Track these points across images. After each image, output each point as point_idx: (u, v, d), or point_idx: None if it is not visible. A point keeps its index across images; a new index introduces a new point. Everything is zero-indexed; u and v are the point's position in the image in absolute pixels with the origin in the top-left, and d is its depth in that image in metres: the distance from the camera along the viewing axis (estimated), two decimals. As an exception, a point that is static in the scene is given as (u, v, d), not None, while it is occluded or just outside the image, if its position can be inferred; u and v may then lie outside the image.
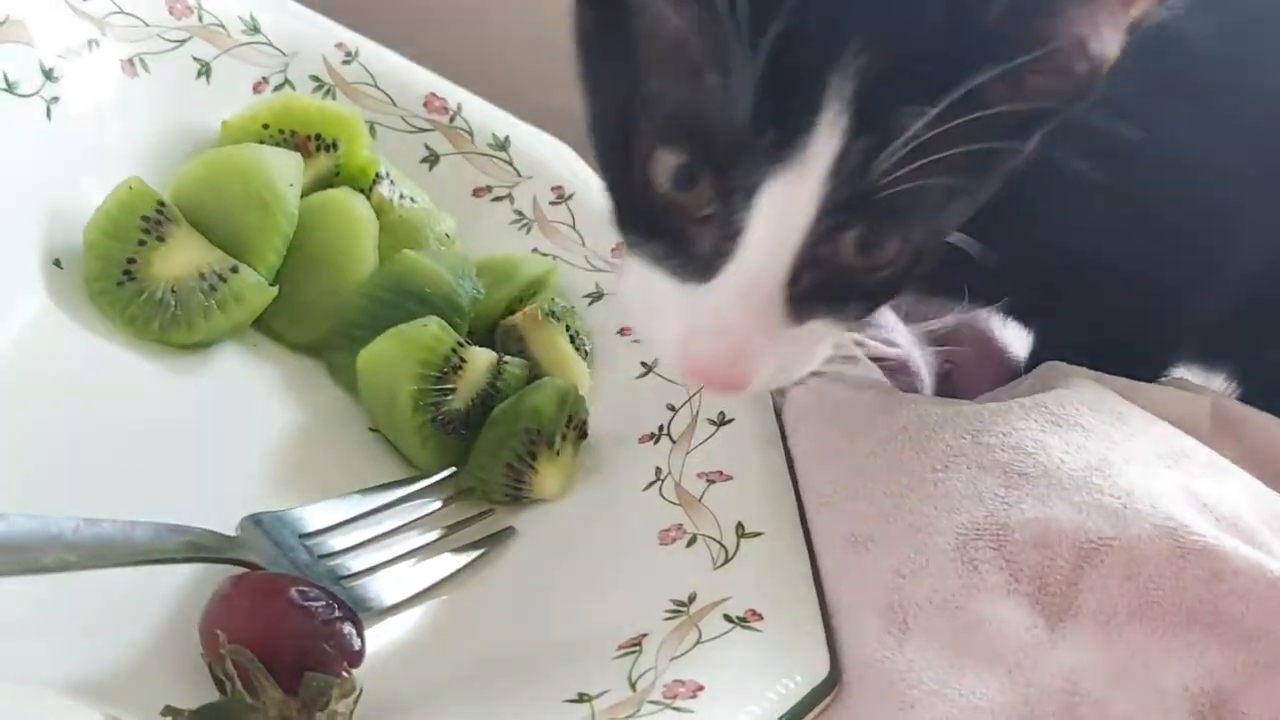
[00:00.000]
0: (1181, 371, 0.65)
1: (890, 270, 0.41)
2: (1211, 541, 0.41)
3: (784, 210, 0.37)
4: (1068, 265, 0.53)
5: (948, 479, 0.45)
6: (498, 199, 0.65)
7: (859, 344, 0.67)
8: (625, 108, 0.40)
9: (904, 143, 0.36)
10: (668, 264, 0.40)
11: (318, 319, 0.55)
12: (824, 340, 0.43)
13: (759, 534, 0.48)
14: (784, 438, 0.54)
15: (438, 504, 0.51)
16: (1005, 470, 0.45)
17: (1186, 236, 0.53)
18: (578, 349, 0.58)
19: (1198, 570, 0.40)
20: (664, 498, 0.51)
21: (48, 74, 0.53)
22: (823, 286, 0.40)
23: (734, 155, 0.37)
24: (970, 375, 0.70)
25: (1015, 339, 0.70)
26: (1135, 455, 0.45)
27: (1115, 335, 0.57)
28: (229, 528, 0.45)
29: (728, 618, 0.44)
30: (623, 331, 0.61)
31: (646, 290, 0.42)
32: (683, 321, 0.40)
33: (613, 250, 0.62)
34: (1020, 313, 0.61)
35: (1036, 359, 0.62)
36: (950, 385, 0.71)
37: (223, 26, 0.61)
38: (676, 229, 0.40)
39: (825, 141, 0.36)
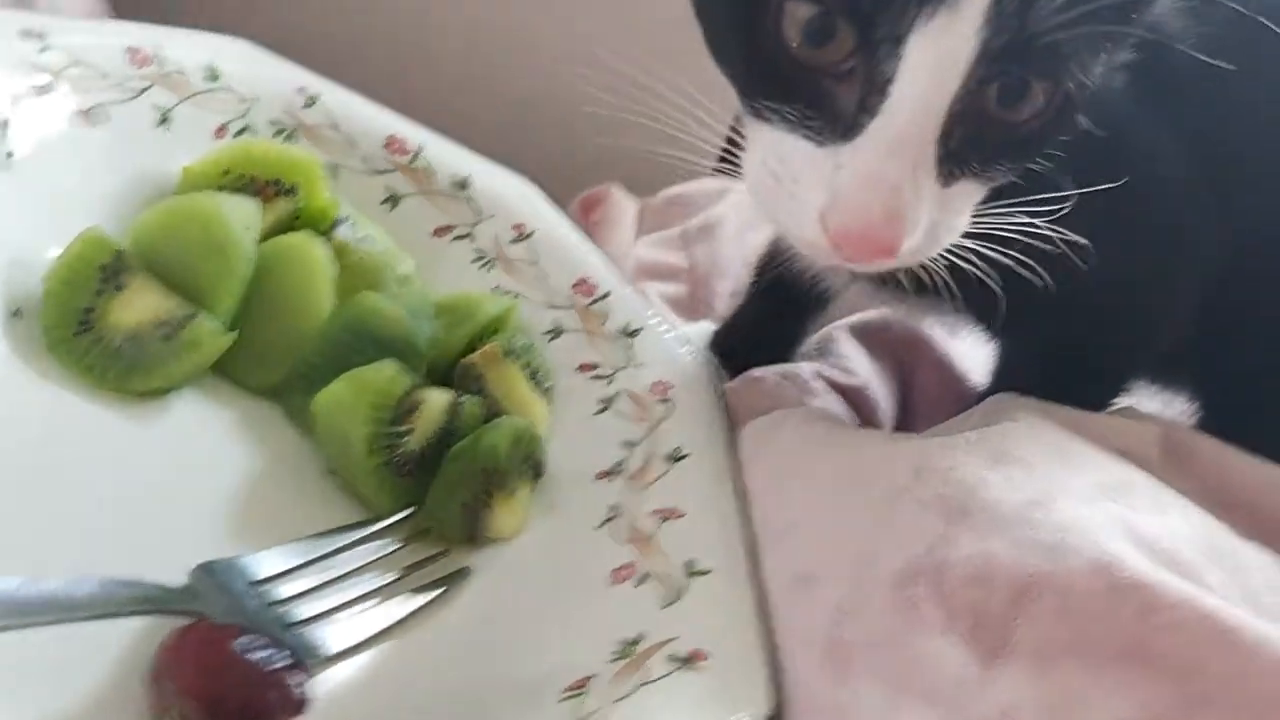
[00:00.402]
0: (1142, 392, 0.66)
1: (1037, 123, 0.39)
2: (1145, 576, 0.41)
3: (937, 58, 0.35)
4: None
5: (891, 515, 0.46)
6: (459, 238, 0.66)
7: (819, 374, 0.68)
8: None
9: None
10: (805, 127, 0.38)
11: (276, 362, 0.55)
12: (967, 207, 0.41)
13: (708, 572, 0.48)
14: (740, 471, 0.54)
15: (394, 545, 0.52)
16: (946, 506, 0.45)
17: (1139, 249, 0.54)
18: (537, 386, 0.59)
19: (1131, 605, 0.41)
20: (617, 536, 0.52)
21: (4, 125, 0.54)
22: (973, 142, 0.38)
23: (878, 1, 0.35)
24: (929, 402, 0.71)
25: (973, 365, 0.70)
26: (1075, 489, 0.46)
27: (1075, 351, 0.58)
28: (185, 575, 0.45)
29: (673, 658, 0.44)
30: (582, 368, 0.61)
31: (779, 162, 0.40)
32: (826, 185, 0.38)
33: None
34: (987, 324, 0.61)
35: (999, 376, 0.62)
36: (909, 412, 0.71)
37: (183, 74, 0.61)
38: (813, 87, 0.38)
39: None
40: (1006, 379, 0.61)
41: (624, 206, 0.82)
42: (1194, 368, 0.63)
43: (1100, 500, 0.46)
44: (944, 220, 0.40)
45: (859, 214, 0.37)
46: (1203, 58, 0.50)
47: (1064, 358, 0.59)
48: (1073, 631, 0.41)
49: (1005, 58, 0.36)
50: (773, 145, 0.40)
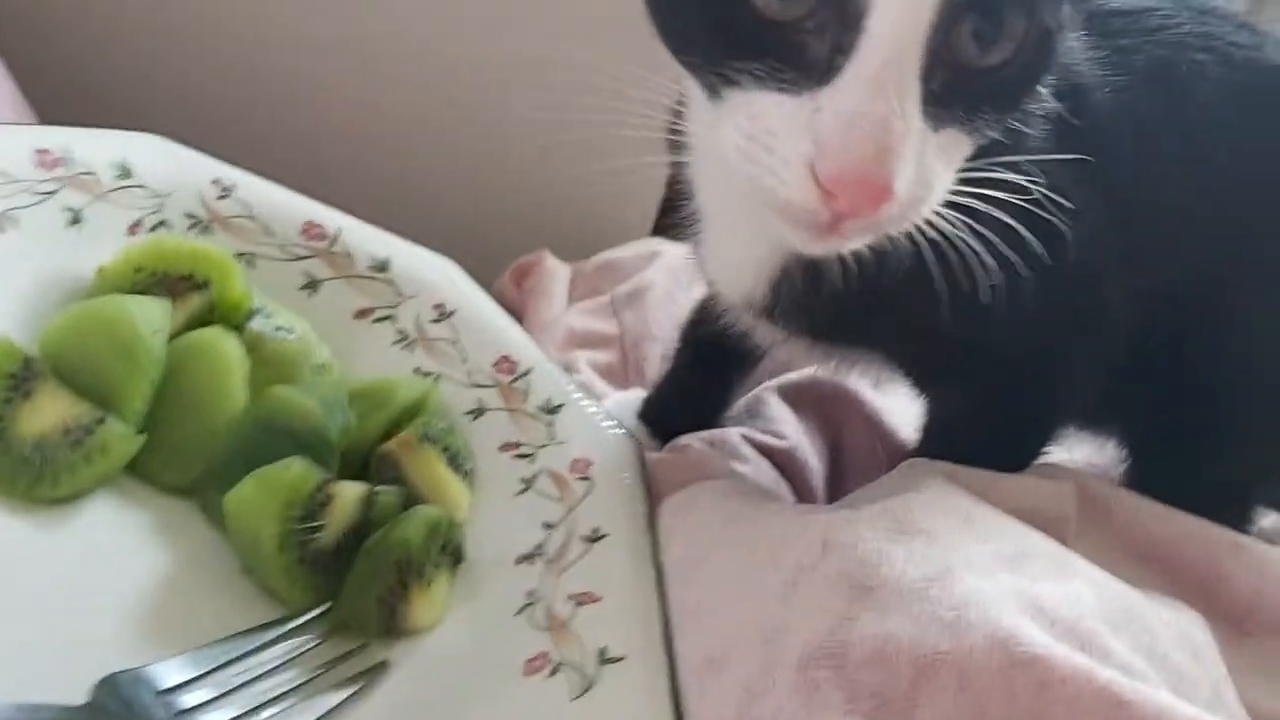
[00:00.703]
0: (1073, 439, 0.67)
1: (1016, 66, 0.40)
2: (1041, 651, 0.41)
3: None
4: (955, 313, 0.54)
5: (796, 594, 0.46)
6: (380, 320, 0.66)
7: (746, 439, 0.69)
8: None
9: None
10: (780, 79, 0.38)
11: (190, 460, 0.55)
12: (955, 159, 0.41)
13: (621, 659, 0.48)
14: (658, 551, 0.54)
15: (311, 642, 0.51)
16: (849, 582, 0.45)
17: (1054, 302, 0.54)
18: (457, 469, 0.59)
19: (1027, 680, 0.41)
20: (534, 623, 0.52)
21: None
22: (954, 85, 0.38)
23: None
24: (860, 459, 0.71)
25: (903, 421, 0.71)
26: (976, 561, 0.46)
27: (996, 407, 0.58)
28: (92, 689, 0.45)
29: (579, 754, 0.44)
30: (504, 447, 0.61)
31: (754, 122, 0.39)
32: (808, 133, 0.38)
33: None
34: (914, 373, 0.61)
35: (926, 433, 0.63)
36: (840, 470, 0.72)
37: (94, 174, 0.62)
38: (783, 39, 0.38)
39: None
40: (933, 436, 0.62)
41: (556, 273, 0.83)
42: (1121, 415, 0.64)
43: (1000, 572, 0.46)
44: (932, 170, 0.40)
45: (849, 153, 0.37)
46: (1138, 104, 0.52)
47: (986, 414, 0.59)
48: (972, 710, 0.41)
49: None
50: (745, 107, 0.39)
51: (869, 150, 0.37)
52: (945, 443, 0.60)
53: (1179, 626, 0.48)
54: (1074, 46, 0.52)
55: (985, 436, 0.59)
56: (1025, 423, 0.60)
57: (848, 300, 0.50)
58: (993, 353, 0.55)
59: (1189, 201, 0.55)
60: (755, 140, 0.39)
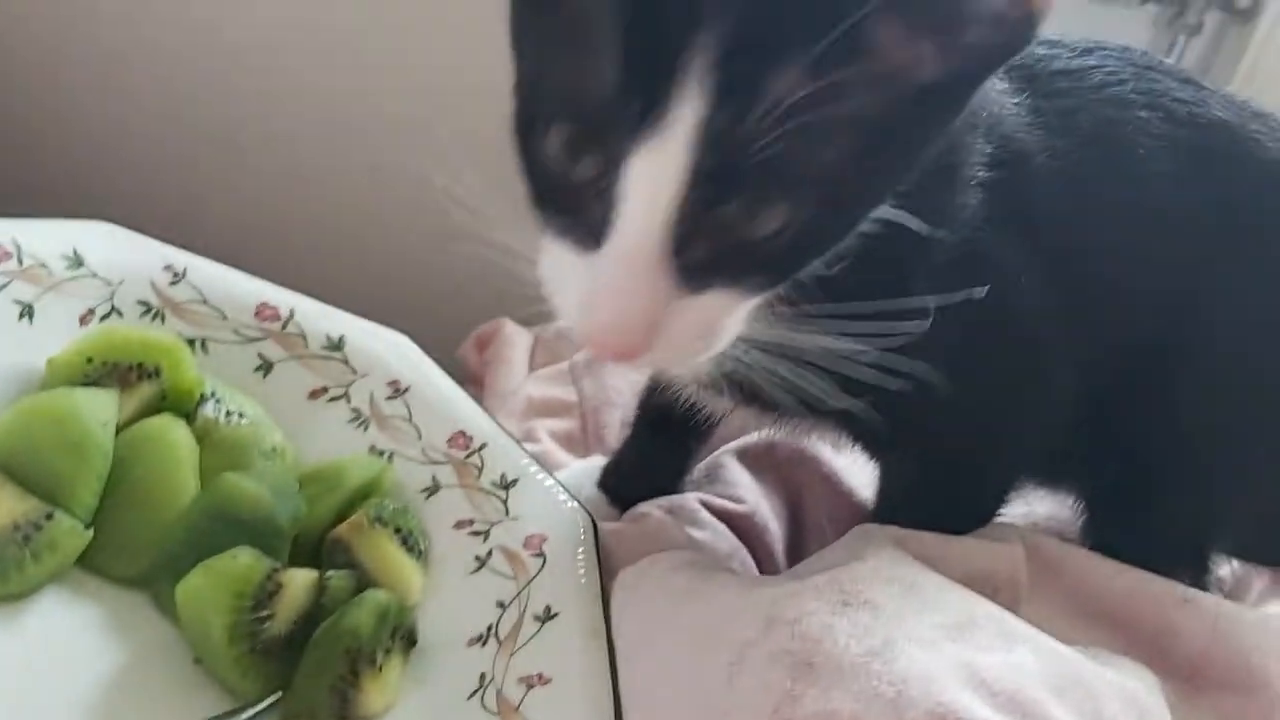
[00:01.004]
0: (1030, 495, 0.67)
1: (784, 239, 0.40)
2: (980, 725, 0.41)
3: (651, 179, 0.38)
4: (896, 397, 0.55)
5: (741, 674, 0.46)
6: (334, 399, 0.66)
7: (705, 504, 0.69)
8: (533, 89, 0.42)
9: (772, 105, 0.36)
10: (569, 236, 0.41)
11: (141, 552, 0.55)
12: (730, 312, 0.42)
13: (569, 744, 0.48)
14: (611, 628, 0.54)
15: (263, 733, 0.51)
16: (793, 659, 0.45)
17: (996, 369, 0.55)
18: (411, 550, 0.59)
19: (967, 757, 0.41)
20: (485, 707, 0.52)
21: None
22: (716, 255, 0.40)
23: (608, 126, 0.38)
24: (819, 518, 0.72)
25: (861, 479, 0.71)
26: (919, 633, 0.46)
27: (948, 471, 0.59)
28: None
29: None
30: (459, 525, 0.62)
31: (557, 265, 0.43)
32: (579, 291, 0.41)
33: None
34: (864, 440, 0.62)
35: (880, 496, 0.63)
36: (800, 530, 0.72)
37: (44, 266, 0.62)
38: (572, 201, 0.41)
39: (687, 108, 0.36)
40: (887, 501, 0.62)
41: (516, 341, 0.83)
42: (1076, 471, 0.63)
43: (943, 642, 0.46)
44: (699, 327, 0.42)
45: (597, 320, 0.40)
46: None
47: (938, 479, 0.59)
48: (914, 787, 0.41)
49: (723, 178, 0.38)
50: (551, 249, 0.43)
51: (613, 321, 0.40)
52: (899, 507, 0.60)
53: (1125, 689, 0.48)
54: (1011, 112, 0.53)
55: (938, 500, 0.59)
56: (977, 486, 0.60)
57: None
58: (937, 420, 0.55)
59: (1135, 262, 0.56)
60: (553, 280, 0.43)
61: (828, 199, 0.40)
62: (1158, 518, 0.60)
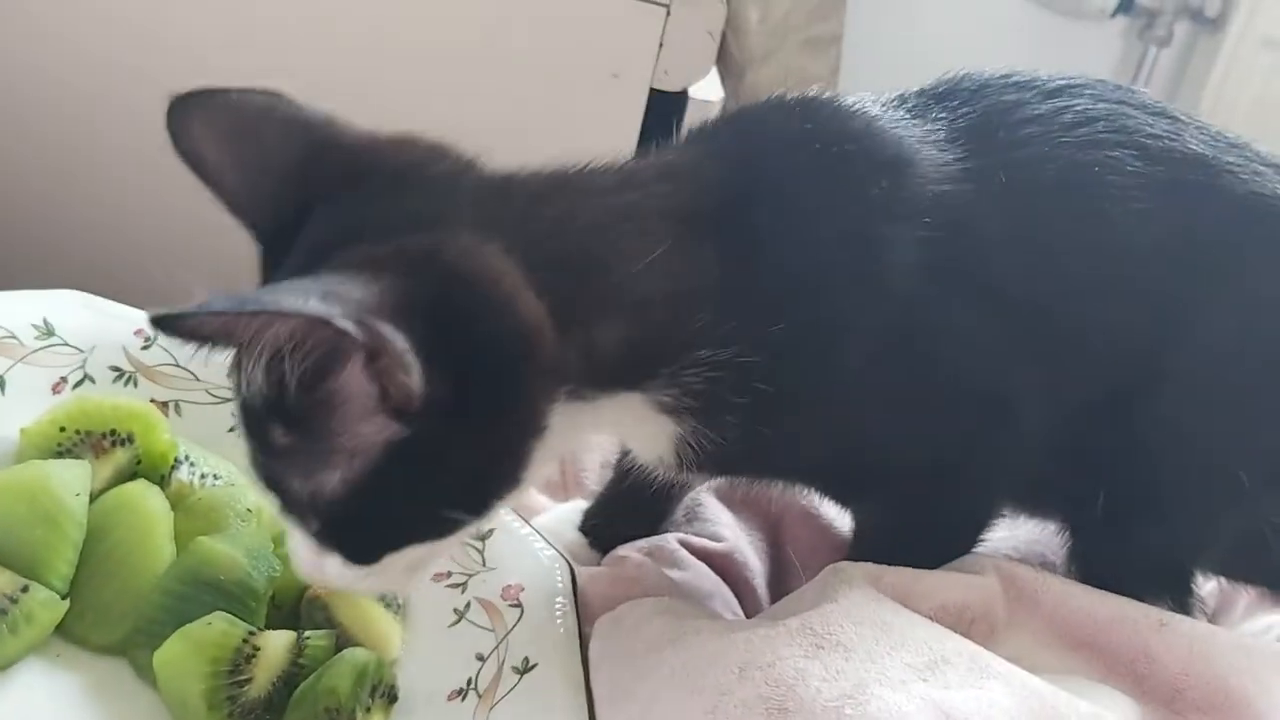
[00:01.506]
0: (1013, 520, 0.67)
1: (348, 504, 0.45)
2: (951, 766, 0.41)
3: None
4: (854, 445, 0.56)
5: (717, 721, 0.46)
6: (310, 456, 0.66)
7: (684, 543, 0.69)
8: None
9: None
10: None
11: (118, 619, 0.55)
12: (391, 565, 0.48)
13: (549, 800, 0.48)
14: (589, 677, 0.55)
15: (245, 799, 0.51)
16: (766, 706, 0.46)
17: (954, 419, 0.55)
18: (388, 606, 0.59)
19: (938, 799, 0.41)
20: (465, 765, 0.52)
21: None
22: (317, 525, 0.47)
23: None
24: (800, 552, 0.72)
25: (841, 513, 0.71)
26: (891, 674, 0.46)
27: (920, 508, 0.59)
28: None
29: None
30: (436, 577, 0.62)
31: None
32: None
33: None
34: (830, 493, 0.62)
35: (857, 536, 0.63)
36: (781, 565, 0.72)
37: (15, 337, 0.63)
38: None
39: None
40: (863, 542, 0.62)
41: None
42: (1057, 498, 0.63)
43: (914, 682, 0.46)
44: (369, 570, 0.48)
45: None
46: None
47: (910, 521, 0.59)
48: (885, 832, 0.41)
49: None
50: None
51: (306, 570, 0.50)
52: (874, 548, 0.59)
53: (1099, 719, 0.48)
54: (952, 181, 0.53)
55: (914, 539, 0.59)
56: (950, 525, 0.60)
57: (746, 448, 0.53)
58: (898, 470, 0.56)
59: (1106, 300, 0.56)
60: None
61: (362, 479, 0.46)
62: (1140, 542, 0.60)
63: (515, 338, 0.45)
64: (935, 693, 0.46)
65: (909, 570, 0.55)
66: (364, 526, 0.47)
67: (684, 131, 0.58)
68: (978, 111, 0.56)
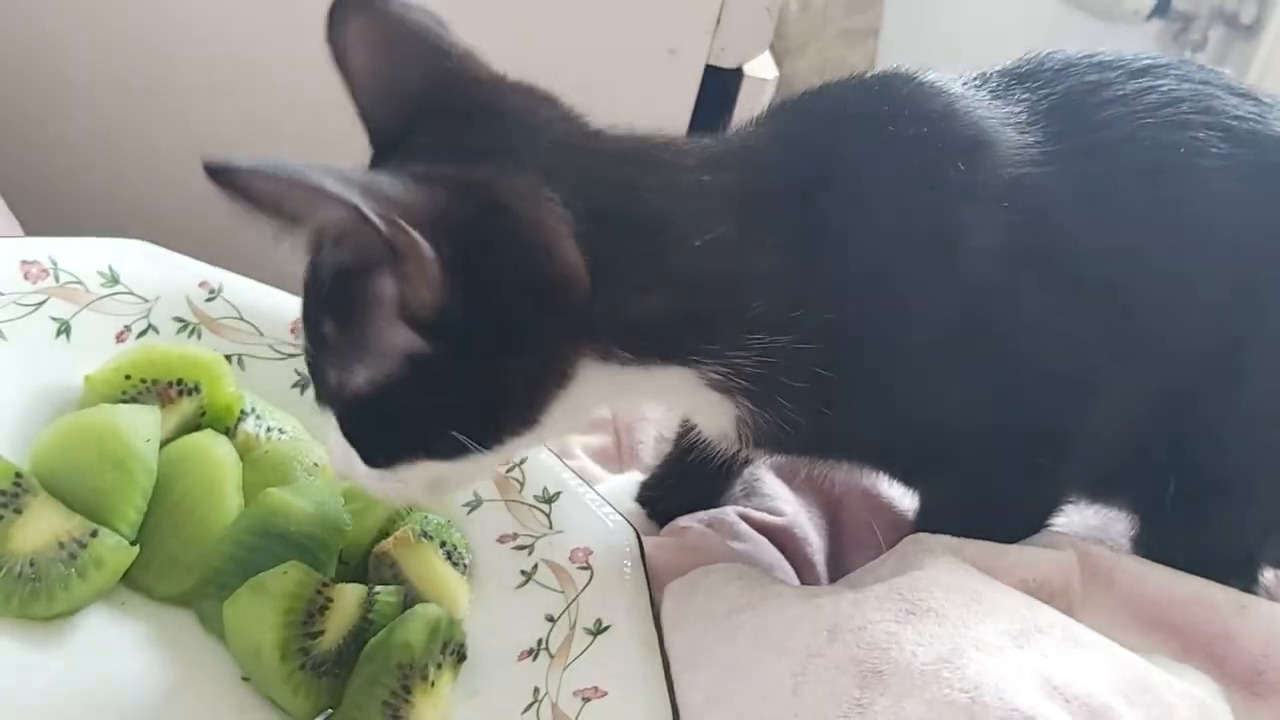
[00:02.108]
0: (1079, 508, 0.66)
1: (384, 400, 0.47)
2: (1057, 730, 0.41)
3: None
4: (924, 428, 0.55)
5: (806, 683, 0.45)
6: (372, 415, 0.65)
7: (744, 516, 0.68)
8: None
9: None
10: None
11: (185, 569, 0.55)
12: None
13: (630, 757, 0.47)
14: (663, 639, 0.54)
15: (314, 750, 0.51)
16: (860, 668, 0.45)
17: (1035, 396, 0.54)
18: (455, 564, 0.58)
19: (1045, 762, 0.40)
20: (541, 720, 0.51)
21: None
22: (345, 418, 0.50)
23: None
24: (858, 529, 0.71)
25: (900, 493, 0.70)
26: (986, 640, 0.46)
27: (990, 489, 0.58)
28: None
29: None
30: (501, 539, 0.61)
31: None
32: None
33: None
34: (896, 474, 0.62)
35: (923, 514, 0.62)
36: (840, 541, 0.71)
37: (80, 283, 0.62)
38: None
39: None
40: (929, 519, 0.61)
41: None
42: (1128, 486, 0.62)
43: (1010, 649, 0.45)
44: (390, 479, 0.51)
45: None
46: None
47: (978, 501, 0.58)
48: (992, 793, 0.40)
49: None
50: None
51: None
52: (940, 528, 0.59)
53: (1193, 697, 0.48)
54: (1031, 163, 0.52)
55: (979, 522, 0.58)
56: (1018, 509, 0.59)
57: (809, 429, 0.52)
58: (968, 454, 0.55)
59: (1191, 283, 0.55)
60: None
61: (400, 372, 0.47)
62: (1212, 528, 0.60)
63: (543, 280, 0.45)
64: (1033, 659, 0.45)
65: (989, 544, 0.55)
66: (380, 429, 0.49)
67: (765, 109, 0.57)
68: (1060, 92, 0.56)
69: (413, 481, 0.50)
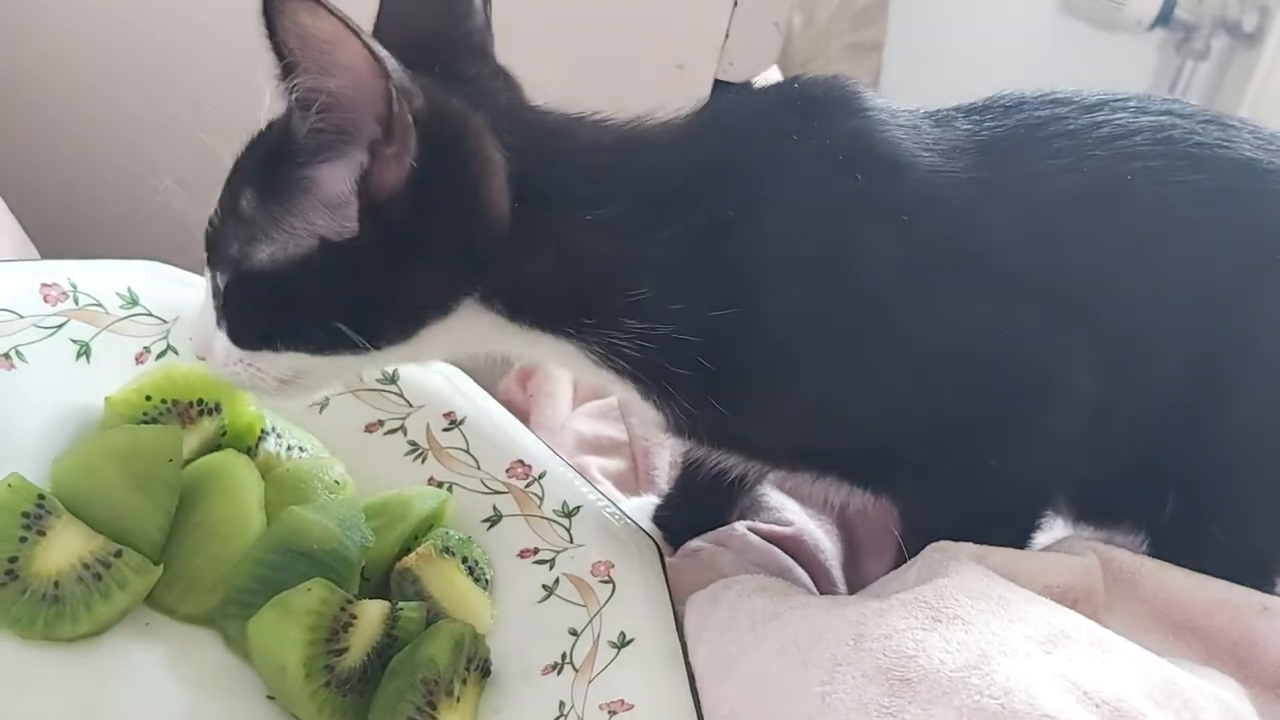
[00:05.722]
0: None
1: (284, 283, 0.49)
2: (1089, 735, 0.41)
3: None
4: (835, 430, 0.56)
5: (834, 693, 0.45)
6: (390, 432, 0.66)
7: (751, 529, 0.68)
8: None
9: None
10: None
11: (208, 589, 0.55)
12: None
13: (659, 768, 0.47)
14: (687, 651, 0.54)
15: (341, 769, 0.50)
16: (888, 677, 0.45)
17: (955, 396, 0.55)
18: (477, 580, 0.58)
19: (1079, 767, 0.40)
20: (566, 736, 0.51)
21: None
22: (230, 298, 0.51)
23: None
24: (871, 532, 0.71)
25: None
26: (1014, 646, 0.45)
27: (950, 495, 0.58)
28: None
29: None
30: (522, 554, 0.61)
31: None
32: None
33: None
34: (851, 480, 0.61)
35: (901, 522, 0.61)
36: (853, 547, 0.71)
37: (100, 305, 0.62)
38: None
39: None
40: (906, 522, 0.60)
41: (559, 375, 0.83)
42: (1130, 505, 0.62)
43: (1038, 655, 0.45)
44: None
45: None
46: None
47: (946, 508, 0.58)
48: (1024, 799, 0.40)
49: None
50: None
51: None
52: (917, 532, 0.58)
53: (1222, 700, 0.47)
54: (950, 185, 0.53)
55: (949, 529, 0.57)
56: (987, 512, 0.58)
57: (720, 421, 0.54)
58: (907, 454, 0.56)
59: (1153, 307, 0.55)
60: None
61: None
62: (1221, 542, 0.59)
63: (475, 210, 0.49)
64: (1061, 665, 0.45)
65: (1011, 551, 0.54)
66: (264, 309, 0.51)
67: (705, 101, 0.58)
68: (1006, 126, 0.56)
69: (270, 370, 0.52)
